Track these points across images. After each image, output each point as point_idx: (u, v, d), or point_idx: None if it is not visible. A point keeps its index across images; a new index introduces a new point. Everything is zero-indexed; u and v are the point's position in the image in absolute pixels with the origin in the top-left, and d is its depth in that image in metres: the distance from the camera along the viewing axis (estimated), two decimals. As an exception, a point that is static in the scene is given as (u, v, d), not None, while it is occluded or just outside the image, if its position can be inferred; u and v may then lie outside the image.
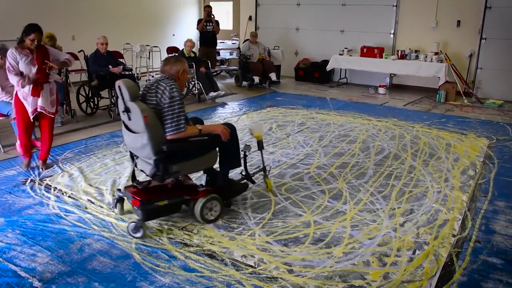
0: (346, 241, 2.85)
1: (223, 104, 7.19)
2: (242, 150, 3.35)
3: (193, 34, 9.87)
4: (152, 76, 9.47)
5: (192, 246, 2.77)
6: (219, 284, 2.39)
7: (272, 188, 3.64)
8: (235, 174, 3.65)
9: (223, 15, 11.92)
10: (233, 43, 10.86)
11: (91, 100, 6.24)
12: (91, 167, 4.16)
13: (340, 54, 8.83)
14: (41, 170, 4.05)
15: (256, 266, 2.56)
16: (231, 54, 10.69)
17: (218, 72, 10.29)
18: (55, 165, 4.19)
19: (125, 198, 3.13)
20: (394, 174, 4.06)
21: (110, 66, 5.93)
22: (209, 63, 8.06)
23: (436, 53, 7.79)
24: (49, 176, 3.93)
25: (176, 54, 8.08)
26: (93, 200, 3.44)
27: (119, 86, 2.80)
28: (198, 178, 3.74)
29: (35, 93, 3.91)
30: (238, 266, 2.57)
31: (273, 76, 8.62)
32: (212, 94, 7.33)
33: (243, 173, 3.42)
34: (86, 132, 5.42)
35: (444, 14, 8.00)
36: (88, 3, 8.86)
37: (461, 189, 3.73)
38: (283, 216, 3.21)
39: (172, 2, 10.94)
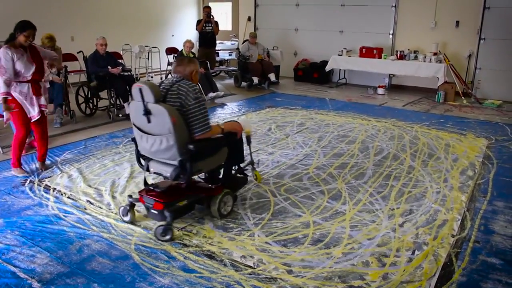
0: (345, 242, 2.86)
1: (222, 105, 7.19)
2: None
3: (192, 34, 9.87)
4: (151, 77, 9.49)
5: (191, 247, 2.77)
6: (218, 285, 2.39)
7: (261, 179, 3.82)
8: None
9: (222, 16, 11.93)
10: (232, 44, 10.87)
11: (90, 101, 6.24)
12: (90, 168, 4.16)
13: (339, 55, 8.84)
14: (40, 171, 4.04)
15: (255, 267, 2.56)
16: (230, 55, 10.69)
17: (217, 72, 10.29)
18: (54, 166, 4.19)
19: (135, 203, 3.09)
20: (393, 175, 4.06)
21: (109, 67, 5.93)
22: (208, 64, 8.06)
23: (435, 54, 7.80)
24: (48, 177, 3.93)
25: (176, 55, 8.08)
26: (92, 201, 3.43)
27: (139, 89, 2.76)
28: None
29: (38, 92, 3.88)
30: (237, 266, 2.57)
31: (272, 76, 8.63)
32: (211, 94, 7.33)
33: (235, 167, 3.50)
34: (85, 133, 5.41)
35: (443, 15, 8.02)
36: (87, 4, 8.85)
37: (460, 189, 3.73)
38: (283, 216, 3.21)
39: (171, 2, 10.94)
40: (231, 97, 7.85)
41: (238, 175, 3.53)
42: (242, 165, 3.54)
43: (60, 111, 5.68)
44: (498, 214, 3.28)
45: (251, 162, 3.76)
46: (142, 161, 3.10)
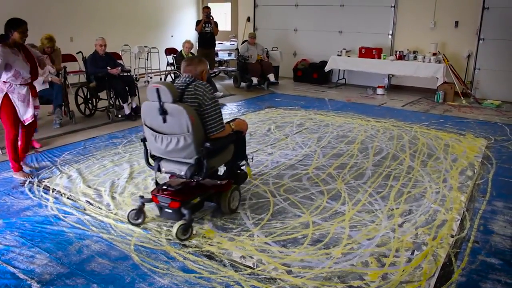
0: (344, 242, 2.86)
1: (221, 105, 7.17)
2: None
3: (192, 35, 9.88)
4: (151, 78, 9.48)
5: (191, 247, 2.77)
6: (217, 285, 2.39)
7: (251, 174, 3.85)
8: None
9: (222, 16, 11.94)
10: (231, 44, 10.88)
11: (90, 101, 6.24)
12: (89, 168, 4.16)
13: (338, 55, 8.84)
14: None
15: (254, 267, 2.56)
16: (229, 55, 10.70)
17: (216, 73, 10.30)
18: (53, 167, 4.19)
19: (145, 204, 3.08)
20: (392, 175, 4.07)
21: (108, 68, 5.92)
22: (208, 64, 8.04)
23: (434, 54, 7.80)
24: (48, 178, 3.92)
25: (175, 56, 8.08)
26: (91, 201, 3.43)
27: (157, 89, 2.76)
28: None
29: (34, 93, 3.87)
30: (237, 267, 2.57)
31: (271, 77, 8.63)
32: (211, 95, 7.33)
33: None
34: (84, 133, 5.41)
35: (442, 15, 8.02)
36: (87, 4, 8.85)
37: (459, 189, 3.74)
38: (282, 217, 3.21)
39: (171, 3, 10.94)
40: (230, 98, 7.85)
41: (239, 171, 3.62)
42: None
43: (60, 112, 5.67)
44: (497, 214, 3.29)
45: (245, 158, 3.81)
46: (151, 161, 3.10)
